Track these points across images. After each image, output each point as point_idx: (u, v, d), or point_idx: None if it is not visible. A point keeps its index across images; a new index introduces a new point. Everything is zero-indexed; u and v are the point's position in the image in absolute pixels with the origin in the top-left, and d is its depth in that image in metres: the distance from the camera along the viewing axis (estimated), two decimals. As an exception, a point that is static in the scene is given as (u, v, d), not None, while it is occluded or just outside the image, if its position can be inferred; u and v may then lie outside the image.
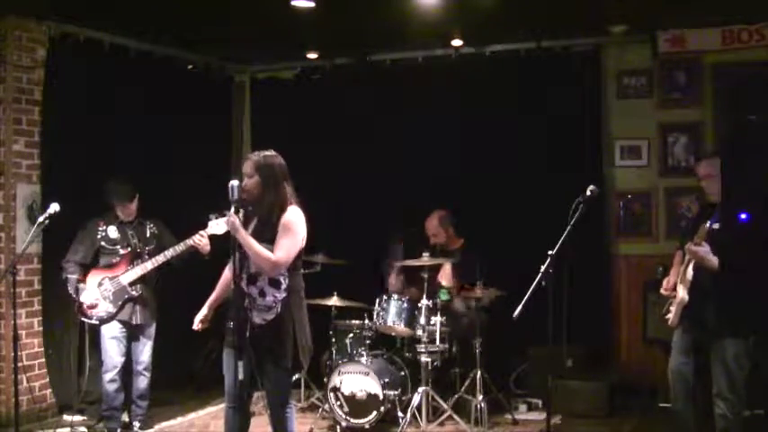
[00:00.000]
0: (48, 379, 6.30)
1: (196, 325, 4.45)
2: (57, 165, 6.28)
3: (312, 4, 5.83)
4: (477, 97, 7.17)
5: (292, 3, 5.80)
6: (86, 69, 6.50)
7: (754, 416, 5.51)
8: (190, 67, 7.59)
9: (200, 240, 5.38)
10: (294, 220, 4.18)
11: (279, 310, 4.15)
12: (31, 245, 5.59)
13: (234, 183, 4.13)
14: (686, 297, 4.63)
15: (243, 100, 8.31)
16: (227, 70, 8.10)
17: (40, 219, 5.23)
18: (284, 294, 4.17)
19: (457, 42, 7.13)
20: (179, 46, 7.28)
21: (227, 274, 4.40)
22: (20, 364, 5.22)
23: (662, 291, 4.89)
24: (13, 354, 5.07)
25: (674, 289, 4.76)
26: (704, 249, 4.50)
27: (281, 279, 4.16)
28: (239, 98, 8.29)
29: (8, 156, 6.08)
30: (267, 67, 8.15)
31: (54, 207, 5.18)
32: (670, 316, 4.76)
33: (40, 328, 6.26)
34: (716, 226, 4.56)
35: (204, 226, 5.21)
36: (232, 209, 4.10)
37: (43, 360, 6.28)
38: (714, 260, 4.48)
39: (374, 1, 5.92)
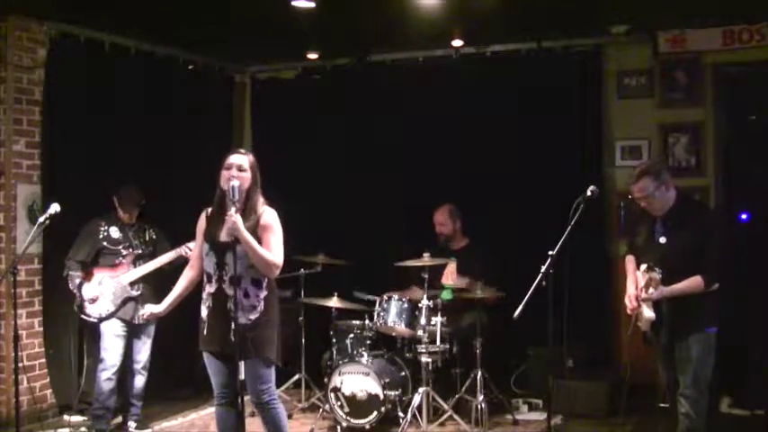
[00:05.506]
0: (48, 379, 6.30)
1: (147, 315, 4.56)
2: (57, 165, 6.28)
3: (312, 5, 5.83)
4: (478, 97, 7.17)
5: (292, 3, 5.80)
6: (86, 70, 6.49)
7: (755, 416, 5.51)
8: (190, 67, 7.57)
9: (188, 252, 5.46)
10: (275, 221, 4.28)
11: (262, 308, 4.25)
12: (32, 245, 5.58)
13: (235, 183, 4.15)
14: (653, 315, 4.43)
15: (243, 100, 8.31)
16: (227, 70, 8.08)
17: (41, 219, 5.21)
18: (266, 293, 4.28)
19: (457, 42, 7.13)
20: (179, 46, 7.28)
21: (192, 274, 4.44)
22: (20, 365, 5.21)
23: (628, 311, 4.61)
24: (13, 354, 5.05)
25: (639, 305, 4.49)
26: (656, 294, 4.37)
27: (262, 279, 4.26)
28: (240, 98, 8.29)
29: (8, 156, 6.07)
30: (267, 68, 8.15)
31: (54, 207, 5.17)
32: (640, 325, 4.57)
33: (41, 329, 6.25)
34: (662, 240, 4.51)
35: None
36: (233, 209, 4.10)
37: (44, 360, 6.27)
38: (683, 286, 4.35)
39: (374, 1, 5.92)
